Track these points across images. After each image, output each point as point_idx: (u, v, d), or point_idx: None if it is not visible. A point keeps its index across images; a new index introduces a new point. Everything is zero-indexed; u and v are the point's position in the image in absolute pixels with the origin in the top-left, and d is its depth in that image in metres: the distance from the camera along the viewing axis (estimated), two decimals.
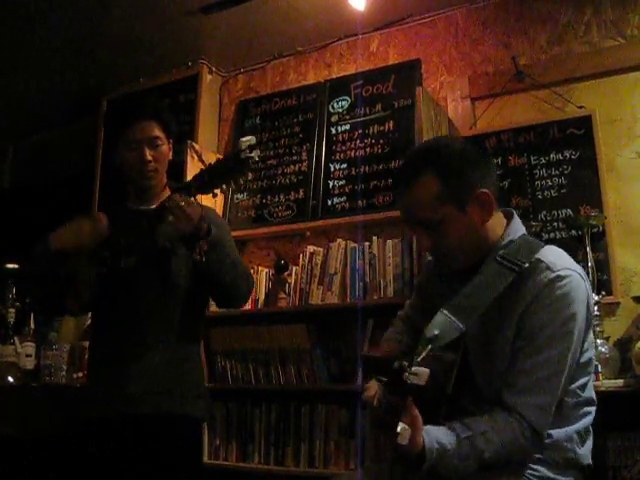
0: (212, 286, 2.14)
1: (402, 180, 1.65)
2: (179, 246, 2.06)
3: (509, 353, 1.55)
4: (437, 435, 1.43)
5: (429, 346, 1.38)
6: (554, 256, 1.59)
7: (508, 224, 1.67)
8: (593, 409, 1.65)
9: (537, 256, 1.57)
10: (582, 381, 1.60)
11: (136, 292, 2.10)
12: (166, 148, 2.21)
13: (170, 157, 2.26)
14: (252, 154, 1.82)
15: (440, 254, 1.66)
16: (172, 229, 1.97)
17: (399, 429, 1.28)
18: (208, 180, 1.88)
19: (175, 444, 2.05)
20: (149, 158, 2.14)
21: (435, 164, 1.59)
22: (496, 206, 1.63)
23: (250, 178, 3.87)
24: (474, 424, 1.48)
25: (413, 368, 1.27)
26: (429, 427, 1.42)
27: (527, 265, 1.54)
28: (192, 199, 1.92)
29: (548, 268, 1.54)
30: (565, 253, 1.64)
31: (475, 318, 1.51)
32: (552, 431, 1.54)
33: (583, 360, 1.60)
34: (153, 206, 2.19)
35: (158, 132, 2.17)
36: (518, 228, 1.68)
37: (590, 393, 1.64)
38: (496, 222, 1.65)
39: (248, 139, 1.82)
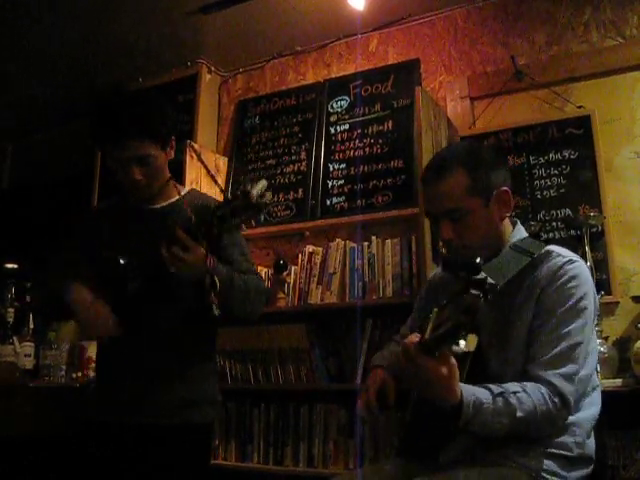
0: (229, 315, 2.09)
1: (433, 173, 1.77)
2: None
3: (525, 337, 1.64)
4: (473, 389, 1.48)
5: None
6: (561, 249, 1.74)
7: (514, 228, 1.83)
8: (599, 398, 1.72)
9: (546, 248, 1.72)
10: (589, 369, 1.65)
11: (143, 307, 2.03)
12: (160, 160, 2.05)
13: (172, 156, 2.14)
14: (264, 199, 1.71)
15: (460, 246, 1.74)
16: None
17: (468, 337, 1.28)
18: (218, 225, 1.77)
19: (184, 450, 2.02)
20: (139, 177, 2.00)
21: (465, 162, 1.75)
22: (513, 206, 1.80)
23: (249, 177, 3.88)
24: (505, 385, 1.53)
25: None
26: (463, 384, 1.45)
27: (537, 255, 1.69)
28: (196, 246, 1.83)
29: (559, 255, 1.70)
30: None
31: (502, 282, 1.58)
32: None
33: (589, 349, 1.66)
34: (157, 205, 2.14)
35: (149, 149, 1.99)
36: (522, 232, 1.83)
37: (596, 382, 1.72)
38: (506, 225, 1.81)
39: (260, 186, 1.71)
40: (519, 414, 1.48)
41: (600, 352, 2.61)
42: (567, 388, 1.54)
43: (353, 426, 3.13)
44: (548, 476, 1.57)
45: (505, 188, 1.76)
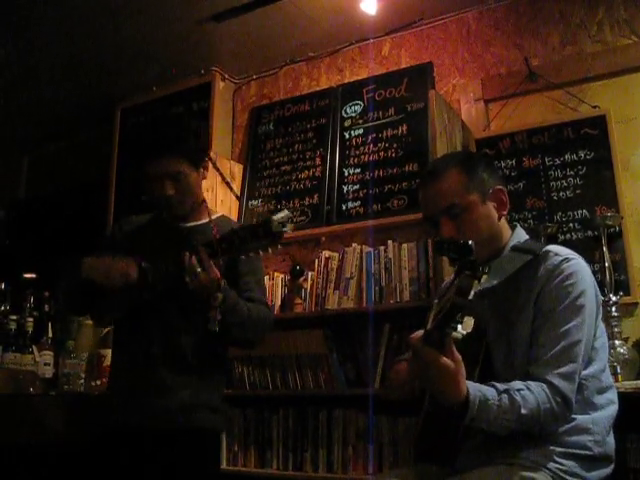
0: (227, 338, 2.13)
1: (430, 175, 1.86)
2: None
3: (528, 337, 1.66)
4: (479, 386, 1.50)
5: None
6: (560, 248, 1.78)
7: (513, 232, 1.87)
8: (615, 396, 1.73)
9: (545, 249, 1.76)
10: (600, 365, 1.69)
11: (159, 314, 2.10)
12: (193, 178, 2.12)
13: (205, 177, 2.21)
14: (285, 228, 1.81)
15: None
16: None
17: (465, 319, 1.32)
18: (238, 245, 1.85)
19: (193, 456, 2.05)
20: (171, 192, 2.08)
21: (461, 163, 1.84)
22: (509, 205, 1.86)
23: (264, 184, 3.90)
24: (510, 383, 1.56)
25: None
26: (469, 381, 1.47)
27: (537, 254, 1.73)
28: (212, 265, 1.90)
29: (556, 254, 1.73)
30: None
31: (502, 278, 1.71)
32: (578, 416, 1.62)
33: (597, 345, 1.70)
34: (187, 224, 2.20)
35: (181, 166, 2.08)
36: (522, 235, 1.88)
37: (609, 380, 1.74)
38: (505, 227, 1.87)
39: (282, 215, 1.81)
40: (523, 411, 1.50)
41: (620, 354, 2.59)
42: (567, 387, 1.56)
43: (372, 431, 3.12)
44: (568, 477, 1.57)
45: (500, 187, 1.84)
